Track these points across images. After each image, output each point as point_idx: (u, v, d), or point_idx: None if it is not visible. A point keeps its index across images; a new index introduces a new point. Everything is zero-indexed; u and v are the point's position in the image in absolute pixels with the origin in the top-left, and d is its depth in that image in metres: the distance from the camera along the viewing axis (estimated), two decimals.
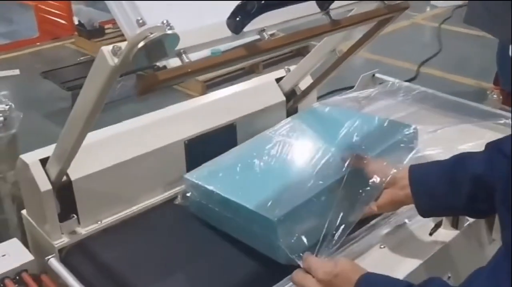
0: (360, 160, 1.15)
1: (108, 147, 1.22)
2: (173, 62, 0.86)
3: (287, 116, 1.57)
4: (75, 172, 1.14)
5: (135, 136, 1.28)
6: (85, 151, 1.07)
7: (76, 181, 1.14)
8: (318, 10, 1.01)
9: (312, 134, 1.36)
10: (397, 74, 1.89)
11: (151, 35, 0.73)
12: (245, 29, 0.90)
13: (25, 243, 1.22)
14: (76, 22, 5.00)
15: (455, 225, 1.18)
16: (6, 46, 4.90)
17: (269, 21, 0.96)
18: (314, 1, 0.99)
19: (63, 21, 5.13)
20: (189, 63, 0.84)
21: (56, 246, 1.14)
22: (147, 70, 3.46)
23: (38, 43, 5.07)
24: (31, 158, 1.13)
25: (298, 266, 0.98)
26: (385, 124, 1.30)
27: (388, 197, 1.08)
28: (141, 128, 1.31)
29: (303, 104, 1.59)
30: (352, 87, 1.82)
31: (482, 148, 1.05)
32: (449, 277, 1.15)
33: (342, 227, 1.02)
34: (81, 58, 4.65)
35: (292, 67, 1.58)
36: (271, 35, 0.98)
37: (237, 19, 0.88)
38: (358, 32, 1.35)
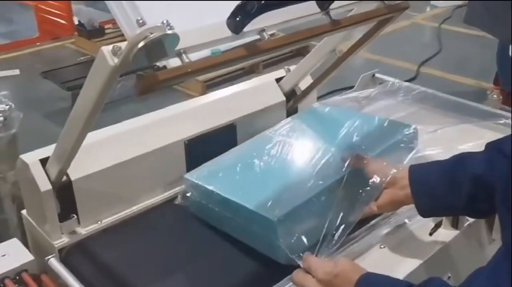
0: (360, 160, 1.15)
1: (108, 147, 1.22)
2: (173, 62, 0.86)
3: (287, 116, 1.56)
4: (75, 172, 1.14)
5: (135, 136, 1.28)
6: (85, 151, 1.07)
7: (76, 181, 1.14)
8: (318, 10, 1.01)
9: (312, 134, 1.36)
10: (397, 74, 1.89)
11: (151, 35, 0.73)
12: (245, 29, 0.90)
13: (25, 243, 1.22)
14: (76, 22, 5.01)
15: (455, 225, 1.18)
16: (6, 46, 4.90)
17: (269, 21, 0.96)
18: (314, 1, 0.99)
19: (63, 21, 5.13)
20: (189, 63, 0.84)
21: (56, 246, 1.14)
22: (147, 70, 3.47)
23: (38, 43, 5.07)
24: (31, 157, 1.13)
25: (298, 266, 0.97)
26: (385, 124, 1.30)
27: (388, 197, 1.08)
28: (141, 128, 1.31)
29: (303, 104, 1.59)
30: (352, 87, 1.82)
31: (482, 148, 1.04)
32: (449, 277, 1.15)
33: (342, 227, 1.02)
34: (81, 58, 4.65)
35: (292, 67, 1.58)
36: (271, 35, 0.98)
37: (237, 19, 0.88)
38: (358, 32, 1.34)
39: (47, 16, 5.21)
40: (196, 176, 1.22)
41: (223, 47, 0.91)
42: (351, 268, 0.92)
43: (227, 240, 1.14)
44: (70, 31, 5.09)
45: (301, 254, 0.98)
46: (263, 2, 0.88)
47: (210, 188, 1.16)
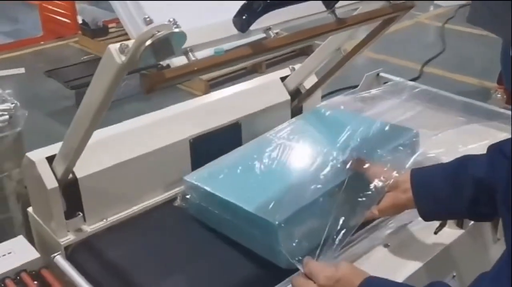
0: (362, 163, 1.14)
1: (114, 145, 1.23)
2: (176, 62, 0.86)
3: (292, 115, 1.57)
4: (81, 169, 1.14)
5: (141, 135, 1.28)
6: (91, 149, 1.07)
7: (82, 178, 1.15)
8: (324, 9, 1.02)
9: (313, 137, 1.34)
10: (401, 73, 1.89)
11: (159, 33, 0.73)
12: (251, 28, 0.90)
13: (30, 241, 1.22)
14: (80, 21, 5.02)
15: (460, 224, 1.18)
16: (10, 45, 4.91)
17: (275, 20, 0.96)
18: (320, 0, 0.99)
19: (67, 20, 5.14)
20: (196, 62, 0.84)
21: (62, 243, 1.15)
22: (150, 70, 3.48)
23: (42, 42, 5.09)
24: (38, 155, 1.13)
25: (298, 269, 0.97)
26: (387, 128, 1.28)
27: (390, 200, 1.07)
28: (147, 126, 1.31)
29: (308, 103, 1.59)
30: (356, 86, 1.82)
31: (486, 149, 1.04)
32: (454, 276, 1.15)
33: (343, 231, 1.02)
34: (85, 57, 4.66)
35: (297, 66, 1.58)
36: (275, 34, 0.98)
37: (243, 17, 0.88)
38: (361, 32, 1.34)
39: (51, 15, 5.23)
40: (196, 177, 1.21)
41: (226, 46, 0.91)
42: (353, 272, 0.91)
43: (228, 242, 1.13)
44: (74, 30, 5.11)
45: (301, 258, 0.97)
46: (269, 0, 0.88)
47: (210, 190, 1.15)
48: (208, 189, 1.15)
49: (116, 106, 0.93)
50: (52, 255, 1.12)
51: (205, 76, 3.83)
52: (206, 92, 3.56)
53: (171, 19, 0.76)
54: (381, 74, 1.85)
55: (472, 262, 1.22)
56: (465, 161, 1.02)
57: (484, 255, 1.26)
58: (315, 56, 1.50)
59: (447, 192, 1.01)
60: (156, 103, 1.59)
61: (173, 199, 1.29)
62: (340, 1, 1.01)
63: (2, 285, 1.08)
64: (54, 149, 1.12)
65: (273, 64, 4.22)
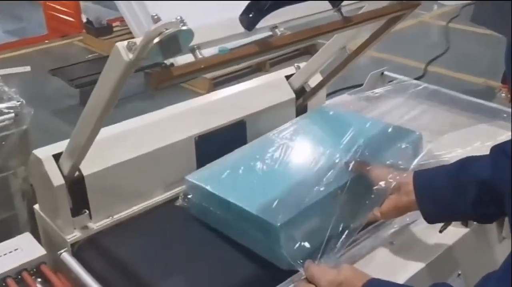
0: (364, 165, 1.13)
1: (120, 143, 1.23)
2: (180, 61, 0.87)
3: (297, 113, 1.57)
4: (88, 167, 1.14)
5: (147, 132, 1.29)
6: (98, 146, 1.08)
7: (89, 176, 1.15)
8: (329, 7, 1.02)
9: (316, 138, 1.34)
10: (405, 72, 1.89)
11: (167, 31, 0.73)
12: (257, 26, 0.90)
13: (36, 238, 1.22)
14: (84, 20, 5.04)
15: (465, 222, 1.18)
16: (15, 43, 4.93)
17: (281, 18, 0.96)
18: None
19: (71, 19, 5.16)
20: (203, 59, 0.85)
21: (68, 240, 1.15)
22: (154, 69, 3.49)
23: (46, 41, 5.11)
24: (44, 153, 1.13)
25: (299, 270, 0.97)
26: (390, 129, 1.28)
27: (392, 203, 1.06)
28: (152, 124, 1.31)
29: (313, 102, 1.59)
30: (360, 85, 1.82)
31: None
32: (459, 274, 1.15)
33: (345, 233, 1.02)
34: (89, 56, 4.68)
35: (302, 65, 1.58)
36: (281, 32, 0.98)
37: (250, 15, 0.88)
38: (365, 31, 1.34)
39: (55, 14, 5.25)
40: (198, 177, 1.21)
41: (230, 45, 0.91)
42: (355, 275, 0.91)
43: (229, 242, 1.12)
44: (78, 29, 5.13)
45: (302, 261, 0.97)
46: None
47: (212, 190, 1.14)
48: (209, 189, 1.15)
49: (119, 105, 0.94)
50: (58, 252, 1.13)
51: (209, 75, 3.84)
52: (210, 91, 3.56)
53: (178, 17, 0.76)
54: (386, 73, 1.85)
55: (477, 260, 1.22)
56: (468, 162, 1.02)
57: (489, 254, 1.26)
58: (320, 55, 1.50)
59: (450, 193, 1.00)
60: (159, 102, 1.59)
61: (178, 197, 1.29)
62: (346, 0, 1.01)
63: (18, 278, 1.09)
64: (61, 146, 1.13)
65: (276, 63, 4.23)
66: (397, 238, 1.14)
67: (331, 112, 1.48)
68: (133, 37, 0.81)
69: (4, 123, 1.65)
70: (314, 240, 1.02)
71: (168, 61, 2.81)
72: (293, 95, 1.56)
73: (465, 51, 4.65)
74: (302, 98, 1.57)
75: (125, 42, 0.80)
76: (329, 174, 1.13)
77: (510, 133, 1.16)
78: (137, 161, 1.23)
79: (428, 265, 1.09)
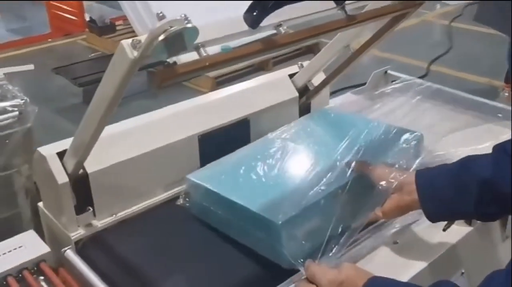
0: (366, 165, 1.13)
1: (124, 141, 1.23)
2: (183, 59, 0.87)
3: (300, 111, 1.57)
4: (92, 165, 1.15)
5: (150, 130, 1.29)
6: (102, 144, 1.08)
7: (93, 173, 1.15)
8: (333, 5, 1.02)
9: (317, 139, 1.34)
10: (407, 71, 1.88)
11: (172, 29, 0.74)
12: (261, 24, 0.90)
13: (39, 236, 1.23)
14: (88, 19, 5.04)
15: (468, 221, 1.18)
16: (19, 42, 4.95)
17: (285, 16, 0.97)
18: None
19: (74, 18, 5.17)
20: (207, 57, 0.85)
21: (72, 238, 1.15)
22: (157, 67, 3.49)
23: (50, 40, 5.12)
24: (49, 150, 1.14)
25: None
26: (391, 130, 1.28)
27: (394, 202, 1.06)
28: (156, 122, 1.32)
29: (316, 101, 1.59)
30: (363, 84, 1.82)
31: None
32: (462, 273, 1.15)
33: (347, 233, 1.02)
34: (92, 54, 4.69)
35: (305, 63, 1.58)
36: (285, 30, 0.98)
37: (254, 13, 0.88)
38: (368, 30, 1.35)
39: (58, 12, 5.26)
40: (199, 176, 1.21)
41: (232, 44, 0.92)
42: (356, 273, 0.91)
43: (230, 241, 1.12)
44: (81, 28, 5.14)
45: (303, 260, 0.97)
46: None
47: (213, 188, 1.14)
48: (210, 187, 1.15)
49: (123, 103, 0.94)
50: (62, 249, 1.13)
51: (212, 74, 3.84)
52: (213, 89, 3.57)
53: (183, 15, 0.76)
54: (389, 71, 1.85)
55: (480, 259, 1.22)
56: (469, 161, 1.02)
57: (492, 253, 1.26)
58: (323, 53, 1.50)
59: (451, 192, 1.00)
60: (162, 101, 1.60)
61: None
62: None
63: (20, 276, 1.10)
64: (65, 144, 1.13)
65: (279, 62, 4.23)
66: (400, 237, 1.14)
67: (332, 114, 1.48)
68: (136, 36, 0.81)
69: (8, 121, 1.66)
70: (315, 239, 1.02)
71: (170, 60, 2.82)
72: (297, 94, 1.56)
73: (468, 50, 4.64)
74: (306, 96, 1.57)
75: (130, 40, 0.80)
76: (331, 173, 1.13)
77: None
78: (141, 159, 1.24)
79: (432, 264, 1.09)
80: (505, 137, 1.03)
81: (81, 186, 1.15)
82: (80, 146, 1.06)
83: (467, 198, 0.98)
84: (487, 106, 1.59)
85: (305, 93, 1.57)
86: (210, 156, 1.31)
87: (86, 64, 4.13)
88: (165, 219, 1.25)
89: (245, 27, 0.89)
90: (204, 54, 0.85)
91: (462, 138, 1.41)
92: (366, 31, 1.36)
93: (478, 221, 1.17)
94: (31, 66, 1.87)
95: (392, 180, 1.06)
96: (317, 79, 1.56)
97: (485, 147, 1.17)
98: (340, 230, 1.02)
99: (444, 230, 1.15)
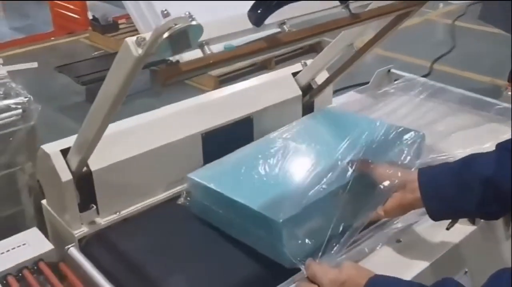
0: (367, 164, 1.13)
1: (128, 138, 1.24)
2: (186, 58, 0.87)
3: (303, 110, 1.57)
4: (95, 162, 1.15)
5: (154, 128, 1.29)
6: (106, 142, 1.08)
7: (96, 171, 1.15)
8: (337, 3, 1.02)
9: (319, 138, 1.34)
10: (410, 70, 1.88)
11: (176, 26, 0.74)
12: (265, 22, 0.90)
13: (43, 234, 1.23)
14: (91, 17, 5.05)
15: (472, 220, 1.18)
16: (21, 40, 4.96)
17: (289, 14, 0.96)
18: None
19: (77, 16, 5.18)
20: (211, 55, 0.85)
21: (76, 235, 1.15)
22: (160, 66, 3.49)
23: (53, 38, 5.13)
24: (52, 148, 1.14)
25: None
26: (393, 130, 1.28)
27: (396, 200, 1.05)
28: (159, 120, 1.32)
29: (319, 99, 1.59)
30: (366, 83, 1.82)
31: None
32: (466, 272, 1.15)
33: (348, 232, 1.01)
34: (95, 53, 4.69)
35: (308, 62, 1.58)
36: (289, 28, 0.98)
37: (258, 11, 0.88)
38: (371, 29, 1.34)
39: (62, 11, 5.27)
40: (200, 175, 1.21)
41: (235, 42, 0.91)
42: (357, 272, 0.90)
43: (231, 241, 1.12)
44: (84, 26, 5.14)
45: (304, 259, 0.97)
46: None
47: (214, 187, 1.14)
48: (212, 186, 1.15)
49: (126, 101, 0.94)
50: (66, 247, 1.14)
51: (215, 73, 3.84)
52: (216, 88, 3.57)
53: (187, 13, 0.76)
54: (392, 70, 1.85)
55: (484, 258, 1.22)
56: (472, 159, 1.02)
57: (496, 252, 1.26)
58: (327, 52, 1.49)
59: (453, 191, 1.00)
60: (165, 99, 1.59)
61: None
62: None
63: (20, 274, 1.10)
64: (69, 142, 1.13)
65: (282, 61, 4.23)
66: (403, 236, 1.14)
67: (334, 113, 1.48)
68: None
69: (12, 119, 1.66)
70: (316, 237, 1.02)
71: (173, 59, 2.82)
72: (300, 92, 1.56)
73: (471, 49, 4.63)
74: (309, 95, 1.57)
75: (134, 38, 0.80)
76: (332, 172, 1.12)
77: None
78: (144, 156, 1.24)
79: (435, 263, 1.08)
80: (508, 136, 1.03)
81: (84, 184, 1.15)
82: (84, 143, 1.06)
83: (469, 196, 0.98)
84: (490, 105, 1.58)
85: (309, 91, 1.57)
86: (213, 154, 1.31)
87: (89, 63, 4.14)
88: (169, 217, 1.25)
89: (249, 25, 0.90)
90: (208, 52, 0.85)
91: (465, 138, 1.41)
92: (369, 30, 1.36)
93: (482, 220, 1.17)
94: (34, 64, 1.88)
95: (394, 179, 1.06)
96: (321, 78, 1.56)
97: (488, 147, 1.17)
98: (341, 229, 1.02)
99: (447, 229, 1.14)
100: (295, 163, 1.22)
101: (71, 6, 5.17)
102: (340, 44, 1.44)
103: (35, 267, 1.12)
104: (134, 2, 0.84)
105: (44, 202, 1.27)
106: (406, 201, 1.05)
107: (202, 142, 1.34)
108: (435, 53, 4.43)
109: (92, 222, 1.19)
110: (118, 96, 0.92)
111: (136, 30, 0.86)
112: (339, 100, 1.70)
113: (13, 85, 1.77)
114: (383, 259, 1.09)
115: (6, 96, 1.72)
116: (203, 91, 1.64)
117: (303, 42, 4.01)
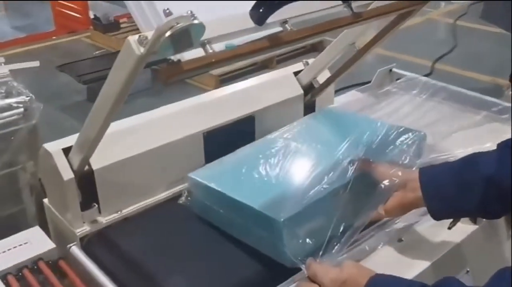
0: (368, 164, 1.12)
1: (129, 137, 1.24)
2: (187, 57, 0.87)
3: (305, 109, 1.57)
4: (97, 161, 1.15)
5: (155, 127, 1.29)
6: (107, 141, 1.08)
7: (98, 170, 1.15)
8: (339, 3, 1.02)
9: (320, 138, 1.34)
10: (412, 70, 1.88)
11: (178, 25, 0.74)
12: (267, 21, 0.90)
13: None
14: (92, 16, 5.05)
15: (473, 220, 1.18)
16: (23, 39, 4.96)
17: (291, 13, 0.97)
18: None
19: (78, 15, 5.18)
20: (213, 54, 0.85)
21: (78, 234, 1.16)
22: (161, 65, 3.50)
23: (54, 37, 5.13)
24: (54, 147, 1.14)
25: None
26: (394, 130, 1.28)
27: (397, 200, 1.05)
28: (161, 119, 1.32)
29: (321, 98, 1.59)
30: (368, 82, 1.82)
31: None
32: (467, 271, 1.15)
33: (349, 231, 1.01)
34: (96, 52, 4.70)
35: (310, 61, 1.58)
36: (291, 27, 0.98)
37: (260, 10, 0.88)
38: (373, 28, 1.34)
39: (63, 10, 5.27)
40: (201, 175, 1.21)
41: (236, 42, 0.92)
42: (358, 272, 0.90)
43: (232, 240, 1.12)
44: (85, 25, 5.15)
45: (305, 259, 0.97)
46: None
47: (215, 187, 1.14)
48: (212, 186, 1.15)
49: (127, 100, 0.94)
50: (68, 246, 1.14)
51: (216, 72, 3.85)
52: (217, 87, 3.57)
53: (189, 11, 0.76)
54: (394, 70, 1.85)
55: (485, 257, 1.22)
56: (473, 158, 1.01)
57: (497, 251, 1.26)
58: (328, 51, 1.49)
59: (454, 190, 0.99)
60: (166, 98, 1.60)
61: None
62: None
63: (20, 274, 1.10)
64: (70, 140, 1.13)
65: (283, 60, 4.23)
66: (404, 235, 1.14)
67: (335, 113, 1.48)
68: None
69: (13, 118, 1.67)
70: (317, 236, 1.02)
71: (174, 58, 2.82)
72: (301, 92, 1.56)
73: (473, 49, 4.63)
74: (311, 94, 1.57)
75: (137, 36, 0.80)
76: (333, 172, 1.12)
77: None
78: (146, 155, 1.24)
79: (436, 262, 1.08)
80: (509, 135, 1.03)
81: (86, 182, 1.15)
82: (86, 142, 1.06)
83: (471, 195, 0.98)
84: (491, 104, 1.58)
85: (310, 91, 1.57)
86: (215, 153, 1.31)
87: (90, 62, 4.14)
88: (169, 217, 1.25)
89: (251, 24, 0.90)
90: (210, 51, 0.85)
91: (466, 137, 1.41)
92: (371, 29, 1.36)
93: (483, 219, 1.17)
94: (36, 63, 1.88)
95: (395, 178, 1.06)
96: (322, 77, 1.56)
97: (489, 146, 1.17)
98: (342, 228, 1.02)
99: (449, 228, 1.14)
100: (296, 163, 1.22)
101: (73, 5, 5.17)
102: (342, 43, 1.44)
103: (35, 267, 1.12)
104: (136, 1, 0.84)
105: (45, 200, 1.27)
106: (407, 200, 1.04)
107: (204, 142, 1.34)
108: (437, 52, 4.43)
109: (94, 221, 1.19)
110: (120, 95, 0.92)
111: (138, 29, 0.86)
112: (340, 100, 1.70)
113: (15, 84, 1.77)
114: (384, 259, 1.09)
115: (8, 95, 1.72)
116: (204, 91, 1.64)
117: (305, 42, 4.01)
